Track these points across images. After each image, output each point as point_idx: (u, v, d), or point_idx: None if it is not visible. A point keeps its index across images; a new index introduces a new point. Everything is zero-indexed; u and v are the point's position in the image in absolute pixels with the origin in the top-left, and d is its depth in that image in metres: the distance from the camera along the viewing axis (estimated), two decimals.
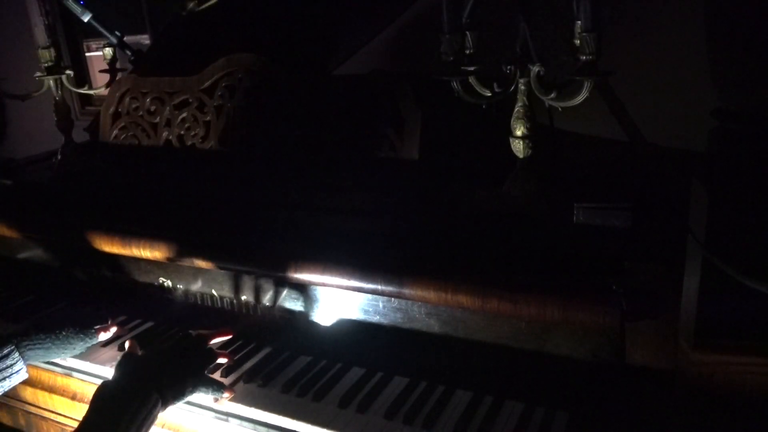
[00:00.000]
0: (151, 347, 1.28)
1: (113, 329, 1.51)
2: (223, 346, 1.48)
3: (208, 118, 1.68)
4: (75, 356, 1.47)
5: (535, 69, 1.28)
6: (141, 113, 1.79)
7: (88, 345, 1.47)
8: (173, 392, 1.19)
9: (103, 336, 1.49)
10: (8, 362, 1.33)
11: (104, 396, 1.13)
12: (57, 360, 1.47)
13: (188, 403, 1.33)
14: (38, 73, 1.97)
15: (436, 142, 1.46)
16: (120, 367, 1.21)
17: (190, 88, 1.73)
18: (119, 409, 1.09)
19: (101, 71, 2.07)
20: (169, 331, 1.58)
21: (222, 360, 1.37)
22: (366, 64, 1.98)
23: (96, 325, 1.51)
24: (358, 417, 1.23)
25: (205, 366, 1.31)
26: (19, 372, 1.35)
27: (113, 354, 1.49)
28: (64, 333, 1.43)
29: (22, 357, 1.36)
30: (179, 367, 1.24)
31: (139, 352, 1.28)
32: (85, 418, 1.10)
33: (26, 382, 1.53)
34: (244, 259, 1.38)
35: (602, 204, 1.25)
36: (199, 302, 1.54)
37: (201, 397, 1.32)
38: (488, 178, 1.44)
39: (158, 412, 1.15)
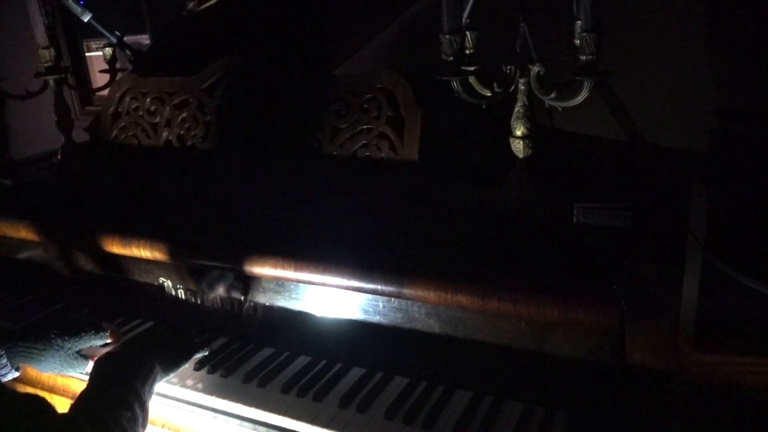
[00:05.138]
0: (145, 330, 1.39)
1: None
2: (223, 347, 1.48)
3: (208, 118, 1.68)
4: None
5: (535, 69, 1.28)
6: (141, 113, 1.80)
7: (73, 371, 1.39)
8: (171, 362, 1.30)
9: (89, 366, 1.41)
10: None
11: (111, 363, 1.21)
12: None
13: (188, 403, 1.34)
14: (38, 73, 1.97)
15: (436, 142, 1.46)
16: (122, 345, 1.32)
17: (190, 88, 1.73)
18: (128, 371, 1.18)
19: (101, 71, 2.07)
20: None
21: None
22: (366, 64, 1.98)
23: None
24: (358, 417, 1.23)
25: (187, 339, 1.41)
26: (5, 376, 1.32)
27: None
28: (61, 353, 1.35)
29: (11, 362, 1.32)
30: (170, 342, 1.35)
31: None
32: (93, 383, 1.16)
33: (26, 382, 1.53)
34: (243, 259, 1.38)
35: (602, 204, 1.25)
36: (200, 302, 1.54)
37: (199, 396, 1.32)
38: (488, 178, 1.43)
39: (159, 380, 1.25)
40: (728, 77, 1.77)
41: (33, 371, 1.47)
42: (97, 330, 1.42)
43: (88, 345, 1.41)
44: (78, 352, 1.38)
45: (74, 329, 1.40)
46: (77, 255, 1.67)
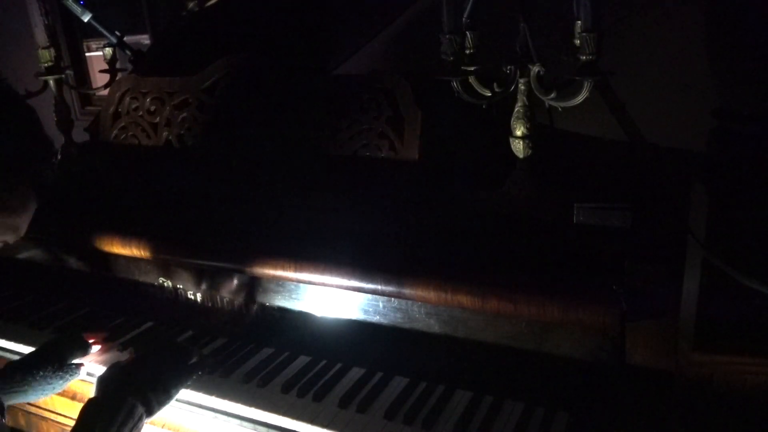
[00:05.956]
0: (128, 360, 1.29)
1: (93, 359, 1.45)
2: (223, 347, 1.48)
3: (208, 118, 1.68)
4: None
5: (535, 69, 1.28)
6: (141, 113, 1.79)
7: (69, 381, 1.39)
8: (157, 398, 1.20)
9: (85, 369, 1.42)
10: None
11: (90, 411, 1.15)
12: None
13: (188, 403, 1.33)
14: (38, 73, 1.97)
15: (436, 142, 1.46)
16: (102, 382, 1.22)
17: (190, 88, 1.73)
18: (105, 423, 1.11)
19: (101, 71, 2.07)
20: (168, 332, 1.58)
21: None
22: (366, 64, 1.98)
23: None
24: (358, 417, 1.23)
25: (184, 362, 1.32)
26: None
27: (115, 355, 1.49)
28: (42, 373, 1.34)
29: None
30: (158, 373, 1.25)
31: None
32: None
33: None
34: (243, 259, 1.38)
35: (602, 204, 1.25)
36: (199, 302, 1.54)
37: (199, 396, 1.32)
38: (488, 178, 1.44)
39: (145, 421, 1.17)
40: (728, 77, 1.77)
41: None
42: (85, 350, 1.44)
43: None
44: (60, 368, 1.38)
45: (62, 360, 1.39)
46: (77, 255, 1.67)
